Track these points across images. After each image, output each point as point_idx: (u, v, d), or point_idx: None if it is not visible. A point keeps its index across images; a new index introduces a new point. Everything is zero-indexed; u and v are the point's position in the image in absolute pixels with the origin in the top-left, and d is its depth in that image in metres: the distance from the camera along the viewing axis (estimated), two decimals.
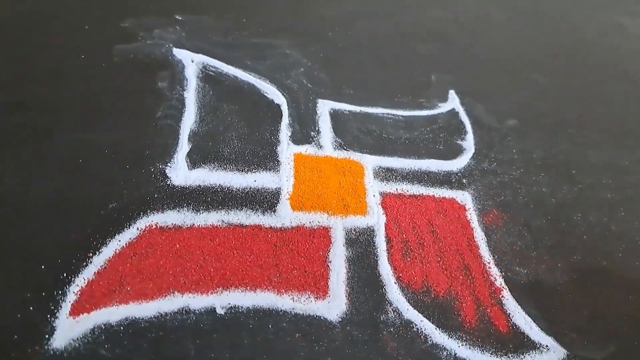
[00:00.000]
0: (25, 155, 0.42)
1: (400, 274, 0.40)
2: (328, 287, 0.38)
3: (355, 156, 0.48)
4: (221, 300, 0.36)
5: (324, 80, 0.57)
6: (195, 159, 0.45)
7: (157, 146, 0.45)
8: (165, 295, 0.35)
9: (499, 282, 0.41)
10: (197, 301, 0.35)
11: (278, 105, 0.52)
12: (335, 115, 0.52)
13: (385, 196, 0.45)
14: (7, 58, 0.51)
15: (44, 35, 0.55)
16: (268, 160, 0.46)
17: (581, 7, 0.88)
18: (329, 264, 0.39)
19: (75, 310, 0.33)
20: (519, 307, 0.40)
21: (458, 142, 0.53)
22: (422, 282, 0.40)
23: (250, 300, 0.36)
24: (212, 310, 0.35)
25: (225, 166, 0.45)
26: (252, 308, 0.36)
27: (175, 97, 0.50)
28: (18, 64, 0.51)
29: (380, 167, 0.48)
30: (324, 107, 0.53)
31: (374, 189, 0.46)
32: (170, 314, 0.34)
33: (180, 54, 0.55)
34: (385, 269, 0.40)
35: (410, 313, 0.37)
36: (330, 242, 0.41)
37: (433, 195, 0.46)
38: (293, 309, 0.36)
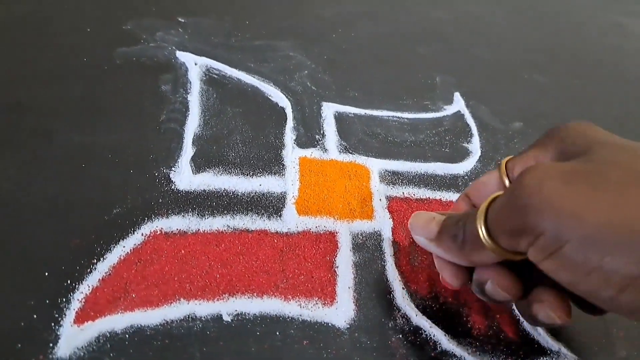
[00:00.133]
0: (26, 159, 0.42)
1: (408, 279, 0.39)
2: (335, 293, 0.37)
3: (360, 160, 0.48)
4: (227, 306, 0.35)
5: (328, 82, 0.57)
6: (199, 163, 0.44)
7: (161, 150, 0.44)
8: (171, 302, 0.35)
9: None
10: (203, 308, 0.35)
11: (282, 108, 0.52)
12: (340, 118, 0.52)
13: (391, 200, 0.45)
14: (7, 59, 0.51)
15: (45, 37, 0.55)
16: (273, 164, 0.46)
17: (582, 8, 0.88)
18: (335, 269, 0.39)
19: (80, 318, 0.33)
20: None
21: (464, 144, 0.52)
22: (430, 288, 0.39)
23: (257, 306, 0.35)
24: (219, 317, 0.34)
25: (230, 170, 0.44)
26: (259, 315, 0.35)
27: (179, 101, 0.50)
28: (18, 66, 0.50)
29: (386, 170, 0.47)
30: (329, 110, 0.53)
31: (380, 192, 0.45)
32: (176, 321, 0.34)
33: (183, 56, 0.55)
34: (393, 274, 0.39)
35: (419, 319, 0.37)
36: (337, 247, 0.40)
37: (440, 199, 0.46)
38: (300, 315, 0.36)
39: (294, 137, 0.49)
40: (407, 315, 0.37)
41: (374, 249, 0.41)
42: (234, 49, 0.59)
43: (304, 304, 0.36)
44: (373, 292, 0.38)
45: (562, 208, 0.21)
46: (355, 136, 0.50)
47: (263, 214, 0.42)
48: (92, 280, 0.35)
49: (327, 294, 0.37)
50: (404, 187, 0.46)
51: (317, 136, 0.49)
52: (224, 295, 0.36)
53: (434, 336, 0.36)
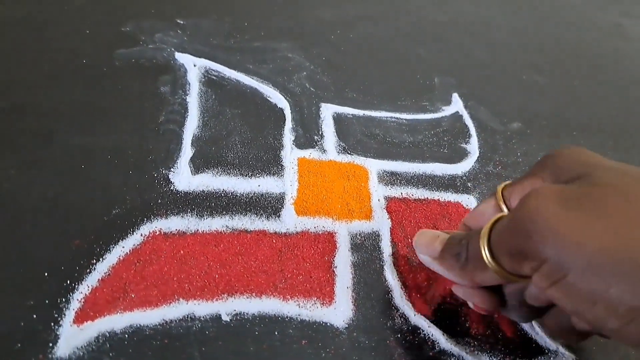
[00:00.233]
0: (26, 160, 0.42)
1: (406, 279, 0.39)
2: (334, 293, 0.37)
3: (359, 160, 0.48)
4: (226, 306, 0.35)
5: (326, 83, 0.57)
6: (198, 164, 0.44)
7: (160, 151, 0.45)
8: (170, 302, 0.35)
9: None
10: (202, 308, 0.35)
11: (281, 109, 0.52)
12: (338, 119, 0.52)
13: (390, 200, 0.45)
14: (7, 61, 0.51)
15: (44, 39, 0.55)
16: (272, 164, 0.46)
17: (581, 9, 0.88)
18: (334, 269, 0.39)
19: (79, 318, 0.33)
20: None
21: (462, 145, 0.53)
22: (428, 287, 0.39)
23: (255, 306, 0.36)
24: (218, 317, 0.34)
25: (228, 171, 0.44)
26: (258, 314, 0.35)
27: (178, 102, 0.50)
28: (18, 67, 0.50)
29: (384, 171, 0.48)
30: (327, 111, 0.53)
31: (378, 193, 0.45)
32: (175, 321, 0.34)
33: (182, 58, 0.55)
34: (391, 274, 0.40)
35: (417, 319, 0.37)
36: (336, 247, 0.40)
37: (438, 199, 0.46)
38: (299, 315, 0.36)
39: (293, 138, 0.49)
40: (405, 315, 0.37)
41: (372, 249, 0.41)
42: (232, 50, 0.59)
43: (303, 303, 0.36)
44: (371, 292, 0.38)
45: (564, 235, 0.21)
46: (354, 137, 0.50)
47: (262, 214, 0.42)
48: (91, 281, 0.35)
49: (326, 294, 0.37)
50: (402, 187, 0.47)
51: (315, 137, 0.49)
52: (222, 295, 0.36)
53: (432, 336, 0.36)
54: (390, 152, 0.49)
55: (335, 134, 0.50)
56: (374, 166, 0.47)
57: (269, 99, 0.53)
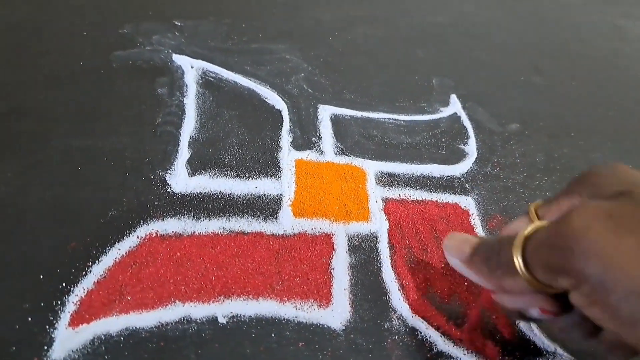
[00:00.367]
0: (22, 163, 0.42)
1: (404, 281, 0.39)
2: (331, 295, 0.37)
3: (356, 162, 0.48)
4: (223, 309, 0.35)
5: (324, 85, 0.57)
6: (195, 166, 0.44)
7: (157, 153, 0.44)
8: (166, 305, 0.35)
9: None
10: (198, 310, 0.35)
11: (279, 111, 0.52)
12: (336, 121, 0.52)
13: (387, 202, 0.45)
14: (4, 64, 0.51)
15: (42, 41, 0.55)
16: (269, 166, 0.46)
17: (580, 10, 0.88)
18: (331, 271, 0.39)
19: (75, 321, 0.33)
20: None
21: (460, 146, 0.52)
22: (426, 289, 0.39)
23: (252, 308, 0.35)
24: (214, 320, 0.34)
25: (225, 173, 0.44)
26: (255, 317, 0.35)
27: (175, 104, 0.50)
28: (15, 70, 0.50)
29: (382, 172, 0.47)
30: (325, 113, 0.53)
31: (376, 194, 0.45)
32: (172, 323, 0.34)
33: (179, 59, 0.55)
34: (389, 276, 0.39)
35: (415, 320, 0.37)
36: (333, 249, 0.40)
37: (436, 201, 0.46)
38: (296, 317, 0.36)
39: (290, 140, 0.49)
40: (403, 317, 0.37)
41: (369, 251, 0.41)
42: (230, 52, 0.59)
43: (300, 305, 0.36)
44: (369, 293, 0.38)
45: (610, 258, 0.21)
46: (352, 138, 0.50)
47: (259, 216, 0.42)
48: (87, 283, 0.35)
49: (323, 296, 0.37)
50: (400, 188, 0.46)
51: (313, 138, 0.49)
52: (219, 297, 0.36)
53: (429, 337, 0.36)
54: (388, 154, 0.49)
55: (333, 135, 0.50)
56: (371, 167, 0.47)
57: (266, 100, 0.53)
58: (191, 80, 0.52)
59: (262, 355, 0.33)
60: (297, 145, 0.48)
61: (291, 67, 0.58)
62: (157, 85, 0.51)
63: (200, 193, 0.42)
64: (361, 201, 0.44)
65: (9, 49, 0.52)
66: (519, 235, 0.27)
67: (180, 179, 0.42)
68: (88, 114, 0.47)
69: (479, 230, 0.44)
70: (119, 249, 0.36)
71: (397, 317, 0.37)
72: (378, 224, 0.43)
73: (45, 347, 0.31)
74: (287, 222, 0.41)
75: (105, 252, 0.36)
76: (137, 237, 0.37)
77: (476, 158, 0.51)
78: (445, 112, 0.57)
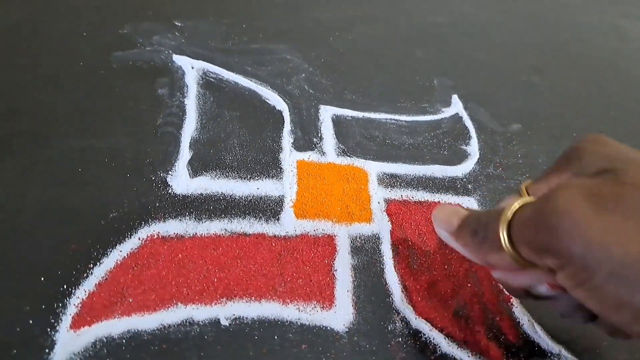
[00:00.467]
0: (23, 164, 0.41)
1: (407, 282, 0.39)
2: (334, 297, 0.37)
3: (358, 162, 0.47)
4: (225, 311, 0.35)
5: (325, 85, 0.56)
6: (196, 167, 0.44)
7: (158, 154, 0.44)
8: (168, 307, 0.34)
9: None
10: (200, 312, 0.34)
11: (280, 112, 0.51)
12: (337, 121, 0.52)
13: (390, 203, 0.45)
14: (3, 64, 0.51)
15: (41, 42, 0.55)
16: (270, 167, 0.45)
17: (580, 10, 0.88)
18: (334, 272, 0.39)
19: (76, 323, 0.32)
20: (529, 315, 0.39)
21: (462, 147, 0.52)
22: (429, 290, 0.39)
23: (255, 310, 0.35)
24: (216, 322, 0.34)
25: (227, 174, 0.44)
26: (257, 319, 0.35)
27: (176, 104, 0.49)
28: (14, 71, 0.50)
29: (384, 173, 0.47)
30: (326, 113, 0.52)
31: (378, 195, 0.45)
32: (174, 325, 0.34)
33: (180, 60, 0.55)
34: (392, 277, 0.39)
35: (418, 322, 0.37)
36: (335, 251, 0.40)
37: (438, 202, 0.46)
38: (299, 319, 0.35)
39: (292, 141, 0.49)
40: (406, 319, 0.37)
41: (372, 252, 0.41)
42: (231, 52, 0.58)
43: (303, 307, 0.36)
44: (372, 295, 0.38)
45: (593, 237, 0.20)
46: (353, 139, 0.50)
47: (261, 217, 0.41)
48: (88, 285, 0.34)
49: (326, 298, 0.37)
50: (402, 189, 0.46)
51: (314, 139, 0.49)
52: (221, 299, 0.35)
53: (433, 339, 0.36)
54: (390, 154, 0.49)
55: (334, 136, 0.50)
56: (373, 168, 0.47)
57: (267, 101, 0.53)
58: (192, 80, 0.52)
59: (264, 358, 0.33)
60: (299, 146, 0.48)
61: (292, 67, 0.58)
62: (158, 86, 0.50)
63: (201, 194, 0.42)
64: (363, 202, 0.44)
65: (8, 49, 0.51)
66: (505, 210, 0.27)
67: (182, 180, 0.42)
68: (88, 115, 0.46)
69: None
70: (120, 251, 0.36)
71: (400, 318, 0.36)
72: (380, 225, 0.42)
73: (47, 350, 0.31)
74: (289, 224, 0.41)
75: (107, 253, 0.36)
76: (139, 238, 0.37)
77: (478, 159, 0.51)
78: (446, 112, 0.57)
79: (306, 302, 0.36)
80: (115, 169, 0.42)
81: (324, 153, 0.48)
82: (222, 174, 0.44)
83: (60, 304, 0.33)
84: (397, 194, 0.46)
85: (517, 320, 0.38)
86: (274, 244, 0.39)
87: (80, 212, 0.39)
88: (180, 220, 0.39)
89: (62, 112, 0.46)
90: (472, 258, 0.31)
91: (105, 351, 0.31)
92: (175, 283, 0.35)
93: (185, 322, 0.34)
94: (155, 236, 0.38)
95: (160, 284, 0.35)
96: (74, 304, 0.33)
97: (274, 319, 0.35)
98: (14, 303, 0.33)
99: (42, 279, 0.34)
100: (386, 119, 0.54)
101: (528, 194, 0.30)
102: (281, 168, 0.46)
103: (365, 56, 0.64)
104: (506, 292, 0.38)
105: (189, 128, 0.48)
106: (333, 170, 0.46)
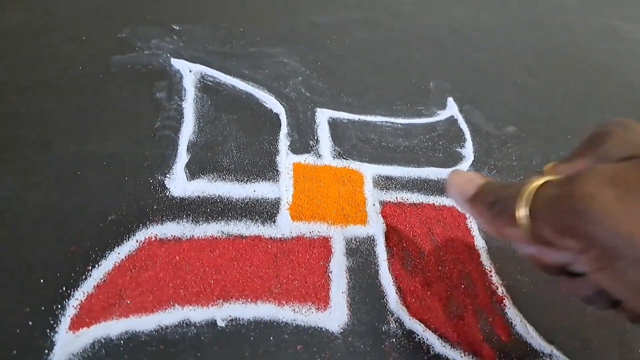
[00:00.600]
0: (21, 167, 0.42)
1: (402, 284, 0.40)
2: (329, 298, 0.38)
3: (354, 165, 0.48)
4: (222, 312, 0.35)
5: (322, 88, 0.57)
6: (194, 170, 0.44)
7: (156, 157, 0.45)
8: (165, 308, 0.35)
9: (501, 290, 0.41)
10: (197, 314, 0.35)
11: (276, 115, 0.52)
12: (334, 124, 0.52)
13: (385, 205, 0.45)
14: (2, 69, 0.51)
15: (40, 46, 0.55)
16: (267, 170, 0.46)
17: (577, 13, 0.88)
18: (329, 274, 0.39)
19: (75, 325, 0.33)
20: (521, 315, 0.40)
21: (457, 149, 0.53)
22: (423, 291, 0.39)
23: (251, 312, 0.36)
24: (213, 323, 0.35)
25: (224, 177, 0.45)
26: (253, 320, 0.35)
27: (174, 108, 0.50)
28: (13, 75, 0.50)
29: (379, 175, 0.48)
30: (323, 116, 0.53)
31: (373, 197, 0.46)
32: (171, 327, 0.34)
33: (178, 64, 0.55)
34: (386, 279, 0.40)
35: (412, 323, 0.37)
36: (331, 252, 0.41)
37: (433, 204, 0.46)
38: (294, 320, 0.36)
39: (288, 143, 0.49)
40: (400, 320, 0.37)
41: (367, 254, 0.41)
42: (228, 56, 0.59)
43: (298, 309, 0.37)
44: (366, 296, 0.38)
45: (618, 224, 0.20)
46: (349, 142, 0.51)
47: (257, 219, 0.42)
48: (87, 287, 0.35)
49: (321, 299, 0.37)
50: (397, 192, 0.47)
51: (311, 142, 0.50)
52: (218, 300, 0.36)
53: (427, 340, 0.36)
54: (386, 157, 0.50)
55: (330, 138, 0.50)
56: (369, 171, 0.48)
57: (264, 104, 0.53)
58: (189, 84, 0.53)
59: (260, 358, 0.33)
60: (295, 148, 0.48)
61: (289, 70, 0.59)
62: (156, 90, 0.51)
63: (198, 197, 0.42)
64: (359, 204, 0.44)
65: (8, 54, 0.52)
66: (526, 187, 0.26)
67: (179, 183, 0.42)
68: (86, 119, 0.47)
69: (476, 234, 0.44)
70: (119, 253, 0.36)
71: (394, 319, 0.37)
72: (375, 227, 0.43)
73: (46, 351, 0.31)
74: (285, 226, 0.41)
75: (105, 256, 0.36)
76: (137, 241, 0.37)
77: (473, 161, 0.52)
78: (442, 115, 0.57)
79: (301, 303, 0.37)
80: (113, 172, 0.43)
81: (320, 156, 0.48)
82: (219, 176, 0.45)
83: (59, 306, 0.33)
84: (392, 196, 0.46)
85: (510, 320, 0.38)
86: (270, 246, 0.40)
87: (79, 214, 0.39)
88: (177, 222, 0.40)
89: (61, 116, 0.47)
90: (485, 227, 0.31)
91: (104, 352, 0.32)
92: (173, 285, 0.36)
93: (182, 323, 0.34)
94: (153, 239, 0.38)
95: (157, 285, 0.35)
96: (73, 306, 0.33)
97: (270, 320, 0.36)
98: (14, 305, 0.33)
99: (42, 280, 0.35)
100: (382, 121, 0.54)
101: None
102: (278, 171, 0.46)
103: (362, 59, 0.65)
104: (499, 294, 0.38)
105: (187, 131, 0.48)
106: (329, 173, 0.47)
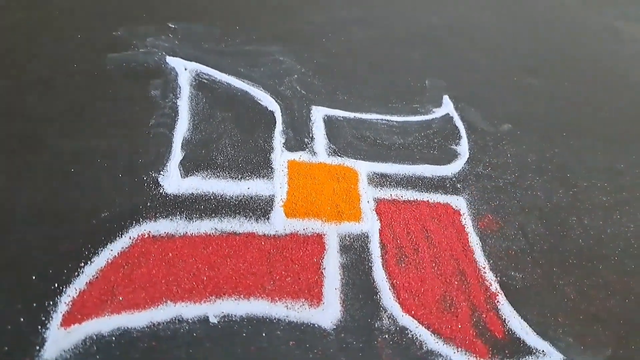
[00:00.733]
0: (16, 165, 0.42)
1: (395, 280, 0.40)
2: (322, 294, 0.38)
3: (349, 162, 0.48)
4: (214, 309, 0.35)
5: (317, 86, 0.57)
6: (188, 167, 0.44)
7: (150, 154, 0.45)
8: (158, 305, 0.35)
9: (494, 287, 0.41)
10: (190, 310, 0.35)
11: (272, 112, 0.52)
12: (329, 122, 0.52)
13: (379, 202, 0.45)
14: None
15: (36, 44, 0.55)
16: (262, 167, 0.46)
17: (576, 12, 0.88)
18: (323, 270, 0.39)
19: (67, 321, 0.33)
20: (515, 312, 0.40)
21: (452, 147, 0.53)
22: (417, 288, 0.39)
23: (243, 308, 0.36)
24: (205, 319, 0.35)
25: (218, 174, 0.45)
26: (246, 316, 0.35)
27: (168, 105, 0.50)
28: (8, 73, 0.51)
29: (374, 173, 0.48)
30: (318, 114, 0.53)
31: (368, 195, 0.46)
32: (163, 323, 0.34)
33: (173, 61, 0.55)
34: (380, 275, 0.40)
35: (405, 319, 0.37)
36: (324, 249, 0.41)
37: (427, 201, 0.46)
38: (287, 316, 0.36)
39: (283, 141, 0.49)
40: (393, 316, 0.37)
41: (361, 251, 0.41)
42: (224, 54, 0.59)
43: (291, 305, 0.37)
44: (360, 293, 0.38)
45: None
46: (344, 139, 0.51)
47: (251, 216, 0.42)
48: (79, 284, 0.35)
49: (314, 295, 0.37)
50: (391, 189, 0.47)
51: (306, 139, 0.50)
52: (211, 297, 0.36)
53: (420, 336, 0.36)
54: (381, 154, 0.50)
55: (325, 136, 0.51)
56: (364, 168, 0.48)
57: (259, 102, 0.53)
58: (184, 82, 0.53)
59: (253, 355, 0.33)
60: (290, 146, 0.48)
61: (284, 68, 0.59)
62: (151, 87, 0.51)
63: (192, 194, 0.42)
64: (353, 201, 0.44)
65: (3, 52, 0.52)
66: None
67: (173, 180, 0.42)
68: (81, 116, 0.47)
69: (470, 231, 0.44)
70: (111, 250, 0.36)
71: (387, 316, 0.37)
72: (369, 224, 0.43)
73: (37, 347, 0.31)
74: (279, 223, 0.41)
75: (98, 252, 0.37)
76: (129, 237, 0.38)
77: (468, 158, 0.52)
78: (437, 112, 0.58)
79: (295, 299, 0.37)
80: (107, 169, 0.43)
81: (315, 153, 0.48)
82: (213, 174, 0.45)
83: (51, 302, 0.34)
84: (387, 193, 0.46)
85: (504, 317, 0.38)
86: (263, 243, 0.40)
87: (72, 211, 0.39)
88: (171, 219, 0.40)
89: (55, 113, 0.47)
90: None
91: (95, 348, 0.32)
92: (165, 281, 0.36)
93: (175, 320, 0.34)
94: (146, 235, 0.38)
95: (150, 282, 0.35)
96: (65, 302, 0.34)
97: (263, 316, 0.36)
98: (5, 301, 0.33)
99: (34, 277, 0.35)
100: (377, 119, 0.54)
101: None
102: (272, 168, 0.46)
103: (358, 58, 0.65)
104: (492, 290, 0.38)
105: (181, 129, 0.48)
106: (324, 170, 0.47)
